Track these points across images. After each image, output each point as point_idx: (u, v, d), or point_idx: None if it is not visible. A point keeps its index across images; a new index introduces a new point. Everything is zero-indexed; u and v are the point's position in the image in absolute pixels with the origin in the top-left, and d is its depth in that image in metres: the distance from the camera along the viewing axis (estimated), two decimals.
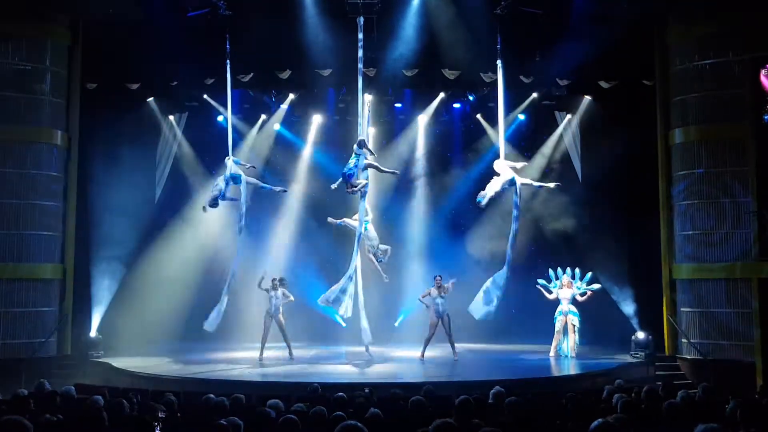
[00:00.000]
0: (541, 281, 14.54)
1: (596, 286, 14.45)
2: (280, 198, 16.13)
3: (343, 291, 12.58)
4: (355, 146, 12.71)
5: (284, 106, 16.42)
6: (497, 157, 12.92)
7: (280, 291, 13.71)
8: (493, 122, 15.53)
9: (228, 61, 13.30)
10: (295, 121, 16.92)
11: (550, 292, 14.39)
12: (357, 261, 12.98)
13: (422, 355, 13.53)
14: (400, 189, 16.77)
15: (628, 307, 15.04)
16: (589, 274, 14.42)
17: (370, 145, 13.24)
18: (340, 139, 16.01)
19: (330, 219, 14.19)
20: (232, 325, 15.08)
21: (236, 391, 8.06)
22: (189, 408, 7.89)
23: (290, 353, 13.73)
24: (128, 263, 15.50)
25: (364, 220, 13.16)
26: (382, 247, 13.70)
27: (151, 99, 15.75)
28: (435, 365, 13.24)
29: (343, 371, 12.62)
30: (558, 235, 16.11)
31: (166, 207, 16.13)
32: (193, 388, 10.77)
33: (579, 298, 14.31)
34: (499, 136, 12.80)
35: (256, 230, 16.17)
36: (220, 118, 15.91)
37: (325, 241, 16.40)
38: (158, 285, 15.65)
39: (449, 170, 17.17)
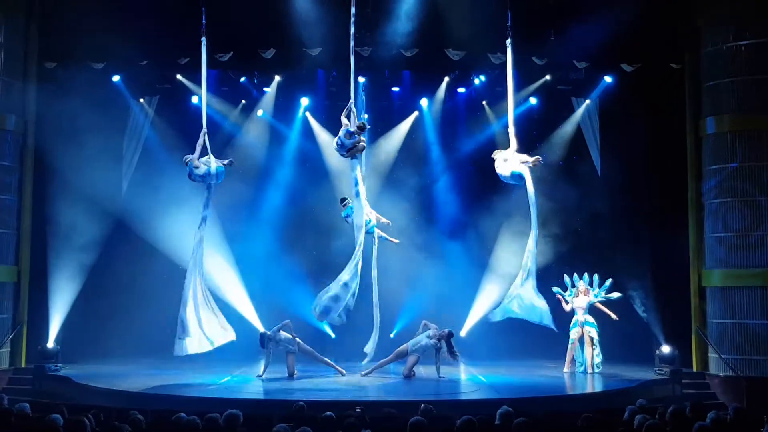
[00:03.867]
0: (556, 289, 14.50)
1: (616, 295, 14.44)
2: (259, 195, 16.15)
3: (336, 299, 12.52)
4: (354, 127, 12.54)
5: (268, 90, 16.41)
6: (498, 146, 12.88)
7: (281, 334, 13.63)
8: (499, 109, 15.54)
9: (203, 38, 13.22)
10: (281, 106, 16.90)
11: (567, 303, 14.37)
12: (359, 261, 12.78)
13: (368, 373, 13.53)
14: (393, 184, 16.72)
15: (652, 318, 15.06)
16: (609, 282, 14.41)
17: (364, 135, 13.15)
18: (330, 126, 15.99)
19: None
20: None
21: (210, 410, 8.02)
22: (157, 428, 7.86)
23: (339, 370, 13.67)
24: (92, 265, 15.46)
25: (366, 218, 13.02)
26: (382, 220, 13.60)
27: (118, 80, 15.68)
28: (434, 382, 13.23)
29: (331, 387, 12.60)
30: (573, 236, 16.12)
31: (135, 201, 16.00)
32: (163, 405, 10.64)
33: (599, 305, 14.27)
34: (509, 123, 12.71)
35: (233, 231, 16.20)
36: (195, 100, 15.86)
37: (314, 240, 16.41)
38: (126, 290, 15.64)
39: (452, 162, 17.18)
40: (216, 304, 13.13)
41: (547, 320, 12.44)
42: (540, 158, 12.42)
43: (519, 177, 12.39)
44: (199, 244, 12.89)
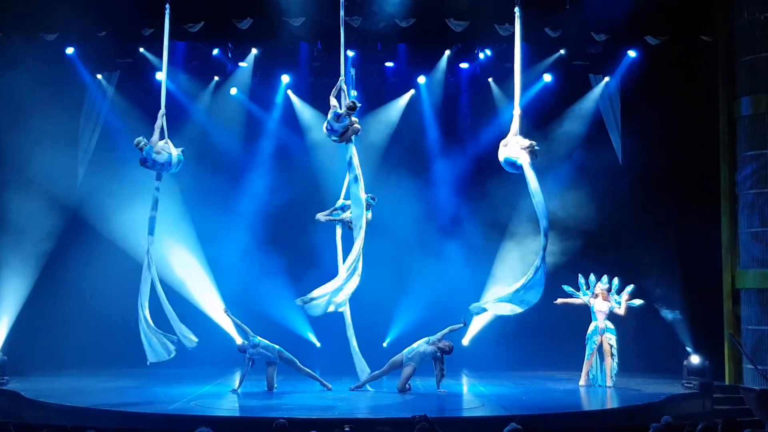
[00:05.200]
0: (567, 287, 14.46)
1: (638, 302, 14.39)
2: (233, 186, 16.20)
3: (336, 292, 12.47)
4: (344, 108, 12.44)
5: (244, 65, 16.37)
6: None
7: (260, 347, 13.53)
8: (508, 87, 15.48)
9: (168, 5, 13.07)
10: (258, 84, 16.87)
11: (583, 301, 14.32)
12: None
13: (358, 387, 13.50)
14: (384, 172, 16.60)
15: (679, 324, 15.07)
16: (631, 287, 14.34)
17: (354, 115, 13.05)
18: (316, 106, 15.93)
19: (320, 215, 13.90)
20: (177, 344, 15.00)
21: (179, 429, 7.94)
22: None
23: (324, 384, 13.63)
24: (43, 264, 15.46)
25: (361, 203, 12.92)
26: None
27: (72, 53, 15.63)
28: (433, 396, 13.18)
29: (317, 403, 12.54)
30: (589, 232, 16.08)
31: (92, 191, 15.99)
32: (123, 423, 10.70)
33: (618, 311, 14.22)
34: (515, 103, 12.60)
35: (203, 229, 16.17)
36: (160, 77, 15.72)
37: (295, 237, 16.38)
38: (83, 292, 15.62)
39: (452, 148, 17.13)
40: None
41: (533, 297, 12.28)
42: (534, 143, 12.08)
43: (513, 164, 12.11)
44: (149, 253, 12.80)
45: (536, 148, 12.06)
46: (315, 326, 16.25)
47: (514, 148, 12.09)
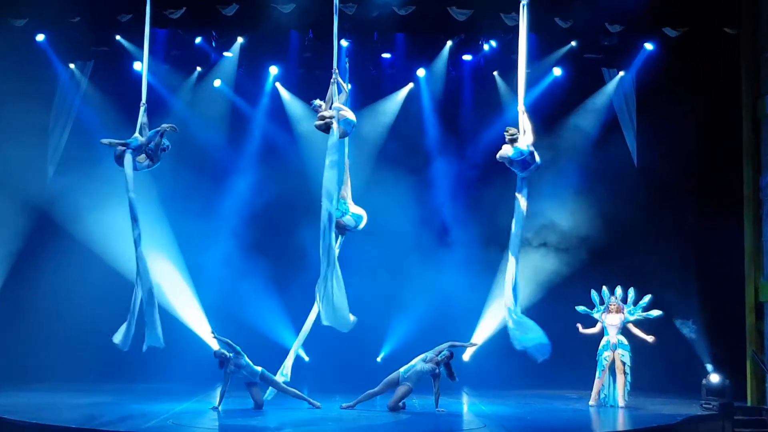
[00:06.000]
0: (581, 308, 14.37)
1: (655, 312, 14.31)
2: (215, 186, 16.24)
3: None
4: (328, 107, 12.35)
5: (229, 55, 16.38)
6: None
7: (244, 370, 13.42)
8: (515, 81, 15.42)
9: None
10: (244, 75, 16.89)
11: (594, 324, 14.22)
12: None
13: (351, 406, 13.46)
14: (380, 172, 16.61)
15: (698, 340, 15.10)
16: (648, 297, 14.29)
17: (348, 108, 12.94)
18: (304, 99, 15.84)
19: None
20: (155, 357, 15.02)
21: None
22: None
23: (312, 403, 13.55)
24: (9, 269, 15.55)
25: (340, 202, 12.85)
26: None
27: (42, 40, 15.61)
28: (431, 416, 13.11)
29: (305, 422, 12.44)
30: (602, 241, 16.09)
31: (64, 191, 15.98)
32: None
33: (632, 328, 14.15)
34: (518, 99, 12.47)
35: (183, 232, 16.12)
36: (138, 67, 15.73)
37: (282, 241, 16.40)
38: (53, 298, 15.64)
39: (454, 146, 17.12)
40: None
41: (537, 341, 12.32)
42: (514, 130, 11.77)
43: (512, 161, 11.96)
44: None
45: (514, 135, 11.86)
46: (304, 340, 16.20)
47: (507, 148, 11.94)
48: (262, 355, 14.06)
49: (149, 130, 12.44)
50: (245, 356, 13.30)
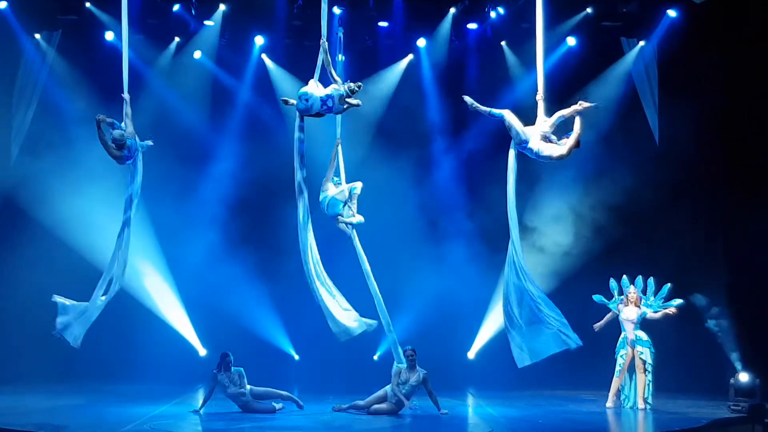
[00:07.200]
0: (598, 297, 14.45)
1: (677, 301, 14.38)
2: (197, 174, 16.33)
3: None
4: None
5: (210, 23, 16.41)
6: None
7: (234, 373, 13.49)
8: (523, 53, 15.47)
9: None
10: (226, 45, 16.91)
11: (614, 312, 14.31)
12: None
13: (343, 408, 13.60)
14: (376, 154, 16.65)
15: (726, 337, 15.10)
16: (668, 286, 14.37)
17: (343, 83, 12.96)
18: (297, 73, 15.87)
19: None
20: (131, 356, 15.10)
21: None
22: None
23: (298, 404, 13.67)
24: None
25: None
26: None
27: (5, 8, 15.65)
28: (433, 418, 13.19)
29: (293, 425, 12.53)
30: (621, 228, 16.16)
31: (29, 174, 16.01)
32: None
33: (651, 315, 14.21)
34: (538, 75, 12.44)
35: (163, 225, 16.21)
36: (109, 36, 15.77)
37: (270, 234, 16.47)
38: (17, 291, 15.74)
39: (458, 125, 17.18)
40: None
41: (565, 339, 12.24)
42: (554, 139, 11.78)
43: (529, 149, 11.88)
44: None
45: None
46: (293, 337, 16.30)
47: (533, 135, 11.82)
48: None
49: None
50: (247, 384, 13.40)
